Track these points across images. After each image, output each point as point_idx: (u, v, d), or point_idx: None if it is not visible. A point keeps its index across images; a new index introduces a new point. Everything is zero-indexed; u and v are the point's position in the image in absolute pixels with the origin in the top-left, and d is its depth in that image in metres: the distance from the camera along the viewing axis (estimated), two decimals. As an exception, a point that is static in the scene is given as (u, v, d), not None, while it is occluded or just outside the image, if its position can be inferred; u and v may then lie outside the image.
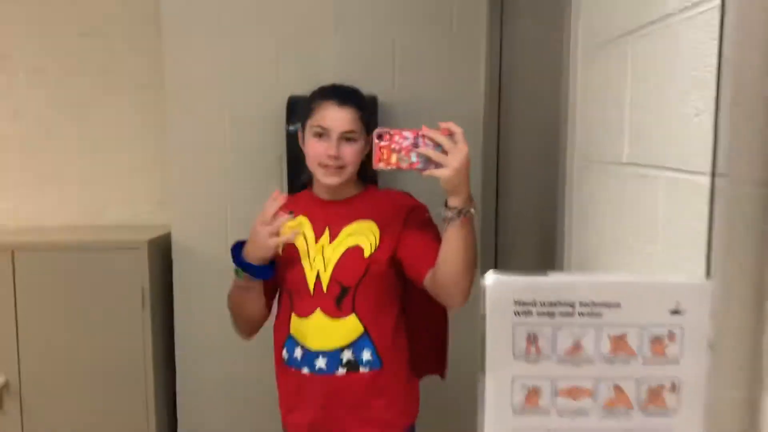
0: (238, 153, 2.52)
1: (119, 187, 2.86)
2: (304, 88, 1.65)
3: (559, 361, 0.69)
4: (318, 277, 1.55)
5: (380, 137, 1.34)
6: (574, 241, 1.39)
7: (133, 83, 2.79)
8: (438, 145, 1.32)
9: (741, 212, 0.67)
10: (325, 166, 1.53)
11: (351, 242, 1.56)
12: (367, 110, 1.61)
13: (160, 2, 2.47)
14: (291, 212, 1.53)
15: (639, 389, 0.69)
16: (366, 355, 1.54)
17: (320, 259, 1.56)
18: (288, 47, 2.46)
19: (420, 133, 1.33)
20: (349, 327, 1.54)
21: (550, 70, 1.59)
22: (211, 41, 2.48)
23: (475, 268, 1.43)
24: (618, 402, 0.69)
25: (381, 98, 2.40)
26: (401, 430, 1.62)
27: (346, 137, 1.53)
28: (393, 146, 1.33)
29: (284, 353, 1.61)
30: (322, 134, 1.53)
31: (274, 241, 1.48)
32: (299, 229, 1.55)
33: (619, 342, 0.69)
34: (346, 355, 1.54)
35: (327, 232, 1.58)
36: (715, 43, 0.80)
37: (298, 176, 1.73)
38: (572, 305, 0.68)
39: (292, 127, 2.31)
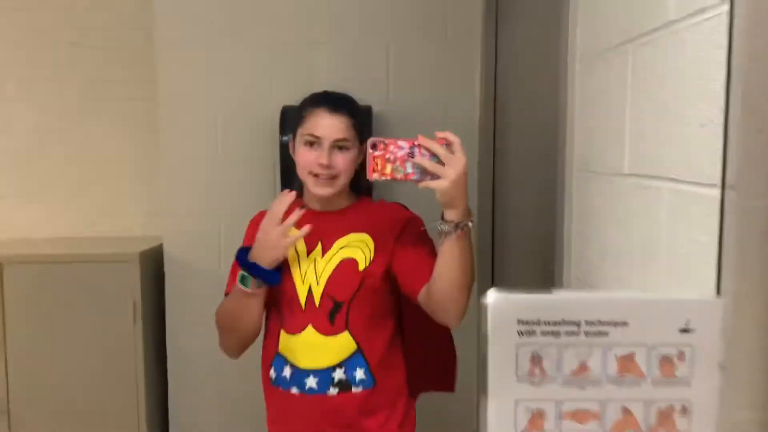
0: (230, 164, 2.49)
1: (110, 198, 2.82)
2: (298, 98, 1.62)
3: (565, 382, 0.66)
4: (310, 291, 1.49)
5: (374, 147, 1.29)
6: (573, 254, 1.36)
7: (125, 94, 2.76)
8: (434, 155, 1.27)
9: (752, 226, 0.65)
10: (316, 176, 1.48)
11: (345, 255, 1.50)
12: (360, 117, 1.56)
13: (152, 13, 2.45)
14: (302, 207, 1.48)
15: (648, 412, 0.66)
16: (359, 374, 1.48)
17: (312, 272, 1.50)
18: (281, 57, 2.44)
19: (416, 142, 1.28)
20: (342, 344, 1.48)
21: (547, 77, 1.56)
22: (204, 52, 2.45)
23: (472, 283, 1.39)
24: (626, 425, 0.66)
25: (375, 108, 2.38)
26: None
27: (338, 145, 1.48)
28: (388, 156, 1.29)
29: (272, 373, 1.54)
30: (313, 142, 1.48)
31: (288, 240, 1.43)
32: (309, 225, 1.46)
33: (626, 362, 0.66)
34: (338, 374, 1.48)
35: (319, 245, 1.52)
36: (721, 50, 0.78)
37: (291, 187, 1.66)
38: (578, 324, 0.65)
39: (285, 138, 2.28)
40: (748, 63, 0.63)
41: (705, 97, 0.83)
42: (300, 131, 1.51)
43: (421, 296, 1.43)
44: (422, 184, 1.28)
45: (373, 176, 1.30)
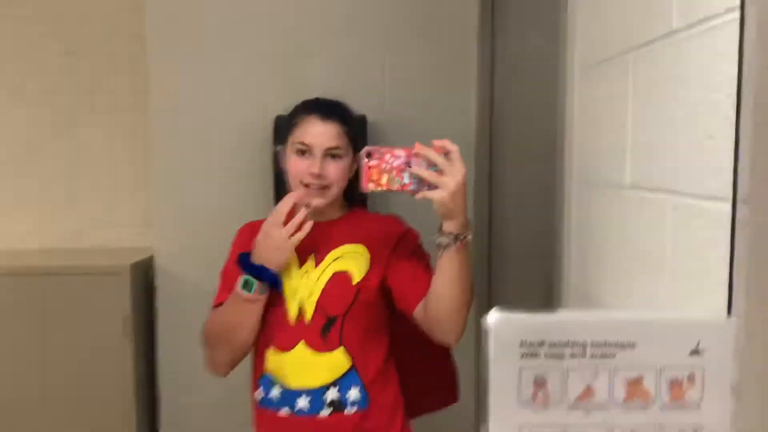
0: (223, 174, 2.46)
1: (101, 209, 2.78)
2: (292, 108, 1.59)
3: (570, 407, 0.63)
4: (302, 305, 1.43)
5: (369, 156, 1.24)
6: (572, 268, 1.33)
7: (117, 103, 2.73)
8: (432, 165, 1.22)
9: (766, 242, 0.62)
10: (307, 186, 1.42)
11: (338, 267, 1.44)
12: (354, 125, 1.50)
13: (145, 22, 2.42)
14: (307, 205, 1.41)
15: (657, 438, 0.63)
16: (353, 394, 1.42)
17: (304, 285, 1.43)
18: (275, 66, 2.42)
19: (413, 151, 1.23)
20: (336, 362, 1.41)
21: (545, 88, 1.54)
22: (196, 62, 2.43)
23: (471, 300, 1.34)
24: (634, 452, 0.63)
25: (370, 117, 2.35)
26: None
27: (330, 154, 1.42)
28: (383, 166, 1.24)
29: (259, 393, 1.47)
30: (304, 151, 1.42)
31: (294, 240, 1.37)
32: (311, 221, 1.40)
33: (634, 386, 0.63)
34: (331, 394, 1.41)
35: (312, 257, 1.46)
36: (727, 60, 0.76)
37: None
38: (583, 346, 0.62)
39: (278, 148, 2.25)
40: (759, 74, 0.60)
41: (710, 108, 0.81)
42: (291, 139, 1.46)
43: (418, 313, 1.37)
44: (420, 195, 1.22)
45: (369, 187, 1.25)
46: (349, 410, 1.42)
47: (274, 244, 1.37)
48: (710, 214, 0.81)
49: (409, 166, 1.23)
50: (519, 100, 2.01)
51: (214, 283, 1.56)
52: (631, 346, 0.62)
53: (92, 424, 2.38)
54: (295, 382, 1.42)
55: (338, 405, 1.41)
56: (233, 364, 1.50)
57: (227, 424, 2.46)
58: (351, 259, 1.45)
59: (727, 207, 0.75)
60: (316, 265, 1.45)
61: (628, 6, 1.06)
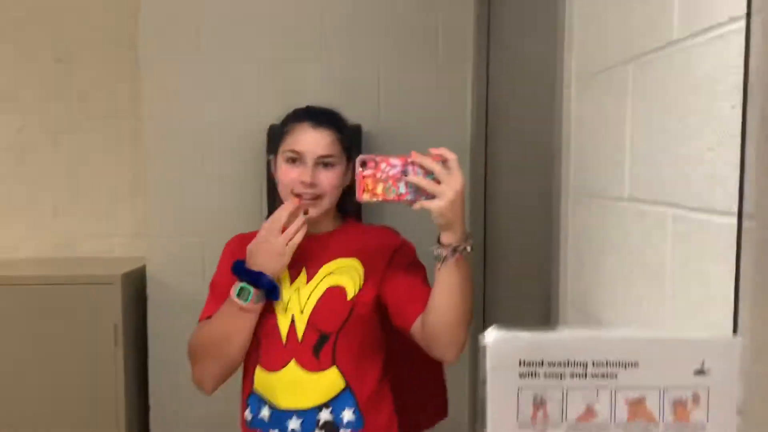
0: (216, 184, 2.44)
1: (93, 218, 2.76)
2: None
3: (570, 428, 0.61)
4: (293, 322, 1.36)
5: (364, 165, 1.19)
6: (569, 282, 1.31)
7: (110, 111, 2.71)
8: (429, 173, 1.17)
9: (772, 259, 0.60)
10: (298, 195, 1.37)
11: (332, 282, 1.39)
12: (348, 133, 1.45)
13: (137, 28, 2.40)
14: (305, 212, 1.37)
15: (660, 461, 0.61)
16: (347, 415, 1.36)
17: (296, 301, 1.37)
18: (269, 75, 2.40)
19: (409, 159, 1.18)
20: (329, 381, 1.35)
21: (542, 97, 1.52)
22: (190, 70, 2.41)
23: (471, 314, 1.29)
24: (637, 476, 0.61)
25: (365, 127, 2.34)
26: None
27: (323, 162, 1.37)
28: (379, 175, 1.19)
29: (247, 413, 1.42)
30: (295, 159, 1.38)
31: (292, 244, 1.32)
32: (305, 228, 1.36)
33: (637, 406, 0.61)
34: (324, 415, 1.35)
35: (303, 271, 1.41)
36: (730, 71, 0.74)
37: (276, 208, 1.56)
38: (584, 365, 0.60)
39: (271, 157, 2.23)
40: (766, 84, 0.58)
41: (712, 119, 0.79)
42: (282, 148, 1.41)
43: (415, 329, 1.32)
44: (417, 205, 1.18)
45: (364, 197, 1.20)
46: None
47: (273, 249, 1.33)
48: (712, 228, 0.79)
49: (406, 175, 1.19)
50: (515, 109, 1.99)
51: (206, 293, 1.53)
52: (634, 365, 0.60)
53: (83, 433, 2.35)
54: (285, 403, 1.36)
55: (331, 427, 1.35)
56: (221, 380, 1.44)
57: (219, 435, 2.42)
58: (345, 274, 1.39)
59: (730, 220, 0.73)
60: (308, 279, 1.40)
61: (627, 15, 1.05)
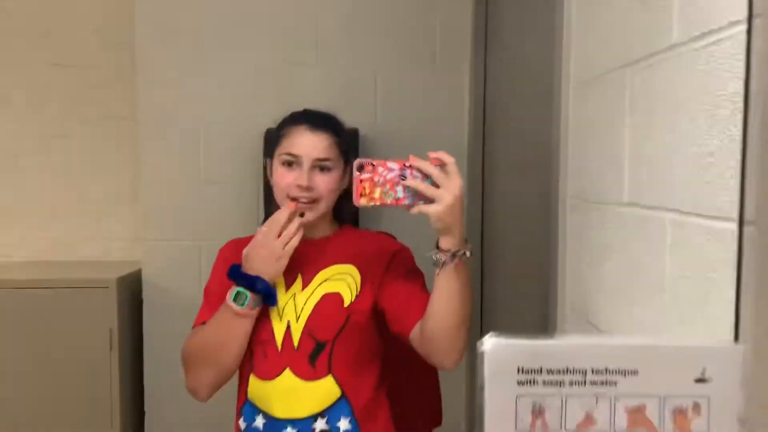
0: (213, 187, 2.42)
1: (88, 222, 2.74)
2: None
3: (569, 437, 0.60)
4: (288, 329, 1.34)
5: (361, 169, 1.17)
6: (568, 288, 1.30)
7: (106, 114, 2.70)
8: (427, 178, 1.16)
9: (773, 266, 0.59)
10: (294, 199, 1.35)
11: (328, 289, 1.36)
12: (345, 137, 1.43)
13: (134, 32, 2.40)
14: (301, 214, 1.34)
15: (661, 470, 0.60)
16: (343, 424, 1.33)
17: (291, 308, 1.35)
18: (266, 78, 2.39)
19: (407, 163, 1.17)
20: (325, 390, 1.33)
21: (540, 102, 1.51)
22: (186, 72, 2.40)
23: (470, 320, 1.26)
24: (637, 485, 0.60)
25: (362, 131, 2.33)
26: None
27: (319, 166, 1.35)
28: (376, 179, 1.17)
29: (241, 423, 1.39)
30: (292, 162, 1.35)
31: (289, 248, 1.30)
32: (301, 232, 1.34)
33: (636, 415, 0.60)
34: (320, 425, 1.32)
35: (299, 277, 1.38)
36: (730, 76, 0.73)
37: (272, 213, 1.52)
38: (583, 373, 0.59)
39: (268, 160, 2.23)
40: (766, 87, 0.58)
41: (713, 124, 0.78)
42: (278, 151, 1.39)
43: (414, 336, 1.29)
44: (415, 209, 1.16)
45: (361, 201, 1.17)
46: None
47: (270, 253, 1.31)
48: (712, 234, 0.78)
49: (404, 179, 1.17)
50: (513, 113, 1.99)
51: (202, 297, 1.51)
52: (634, 373, 0.59)
53: (77, 439, 2.34)
54: (280, 412, 1.33)
55: None
56: (216, 388, 1.41)
57: (214, 441, 2.41)
58: (341, 280, 1.37)
59: (730, 226, 0.72)
60: (304, 286, 1.38)
61: (626, 19, 1.04)
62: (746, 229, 0.61)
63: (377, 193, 1.18)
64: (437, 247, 1.19)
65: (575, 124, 1.29)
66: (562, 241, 1.33)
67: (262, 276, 1.31)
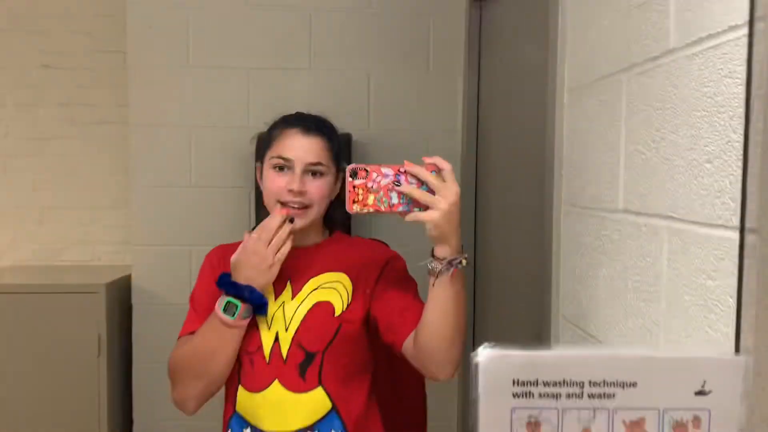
0: (204, 192, 2.40)
1: (78, 226, 2.72)
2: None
3: (565, 451, 0.58)
4: (277, 340, 1.29)
5: (354, 174, 1.13)
6: (562, 297, 1.29)
7: (97, 117, 2.68)
8: (423, 184, 1.12)
9: (775, 275, 0.58)
10: (285, 204, 1.30)
11: (318, 298, 1.31)
12: (338, 141, 1.39)
13: (126, 35, 2.38)
14: (291, 220, 1.30)
15: (660, 486, 0.58)
16: None
17: (281, 317, 1.30)
18: (258, 82, 2.38)
19: (402, 169, 1.13)
20: (315, 403, 1.28)
21: (534, 107, 1.50)
22: (178, 76, 2.38)
23: (465, 331, 1.22)
24: (635, 501, 0.58)
25: (355, 136, 2.32)
26: None
27: (311, 170, 1.31)
28: (370, 185, 1.13)
29: None
30: (283, 167, 1.31)
31: (281, 255, 1.26)
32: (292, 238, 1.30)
33: (635, 428, 0.58)
34: None
35: (288, 286, 1.33)
36: (730, 81, 0.72)
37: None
38: (581, 385, 0.57)
39: (258, 164, 2.20)
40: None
41: (711, 131, 0.77)
42: (269, 154, 1.34)
43: (407, 347, 1.25)
44: (410, 217, 1.12)
45: (354, 208, 1.13)
46: None
47: (262, 261, 1.26)
48: (711, 242, 0.77)
49: (398, 185, 1.13)
50: (507, 119, 1.97)
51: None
52: (632, 385, 0.58)
53: (64, 447, 2.30)
54: (269, 425, 1.29)
55: None
56: (204, 400, 1.36)
57: (203, 449, 2.38)
58: (332, 289, 1.33)
59: (729, 234, 0.71)
60: (293, 295, 1.33)
61: (622, 24, 1.03)
62: (748, 237, 0.59)
63: (371, 200, 1.14)
64: (432, 255, 1.16)
65: (570, 130, 1.28)
66: (557, 249, 1.32)
67: (253, 285, 1.27)
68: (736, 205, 0.68)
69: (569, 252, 1.27)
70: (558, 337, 1.28)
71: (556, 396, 0.57)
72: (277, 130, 1.37)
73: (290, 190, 1.30)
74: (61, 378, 2.30)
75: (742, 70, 0.67)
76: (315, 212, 1.33)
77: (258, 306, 1.28)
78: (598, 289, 1.11)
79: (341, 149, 1.42)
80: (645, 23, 0.95)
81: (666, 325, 0.88)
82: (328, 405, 1.29)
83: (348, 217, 1.35)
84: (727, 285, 0.70)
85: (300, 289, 1.33)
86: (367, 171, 1.14)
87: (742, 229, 0.59)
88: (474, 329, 2.18)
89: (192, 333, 1.35)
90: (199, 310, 1.36)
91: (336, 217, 1.42)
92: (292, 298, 1.33)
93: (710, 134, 0.77)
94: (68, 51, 2.66)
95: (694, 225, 0.81)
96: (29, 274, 2.57)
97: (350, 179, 1.14)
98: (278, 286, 1.33)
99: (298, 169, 1.31)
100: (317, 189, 1.32)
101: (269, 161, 1.35)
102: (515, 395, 0.57)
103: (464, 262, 1.16)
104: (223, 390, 1.40)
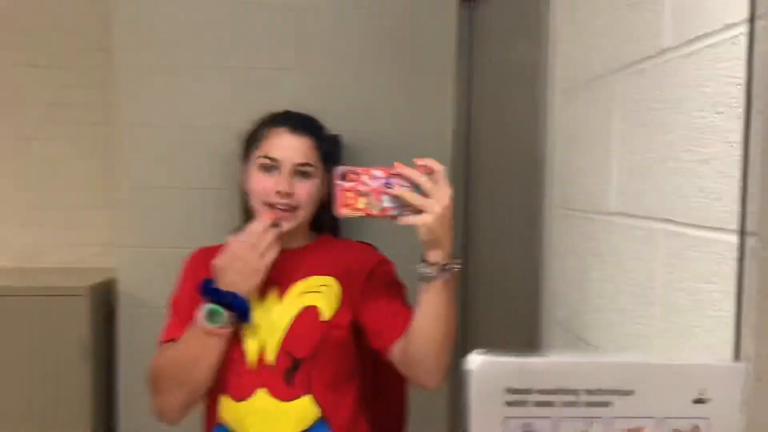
0: (191, 193, 2.37)
1: (63, 227, 2.68)
2: (257, 121, 1.50)
3: (560, 462, 0.56)
4: (262, 346, 1.25)
5: (344, 177, 1.10)
6: (555, 302, 1.27)
7: (82, 117, 2.65)
8: (415, 187, 1.09)
9: (776, 279, 0.56)
10: (272, 206, 1.27)
11: (305, 302, 1.28)
12: (327, 141, 1.36)
13: (112, 35, 2.35)
14: (278, 224, 1.26)
15: (657, 497, 0.56)
16: None
17: (266, 323, 1.26)
18: (246, 83, 2.35)
19: (393, 171, 1.10)
20: (303, 411, 1.24)
21: (526, 108, 1.49)
22: (164, 76, 2.35)
23: (455, 337, 1.19)
24: None
25: (346, 138, 2.29)
26: None
27: (300, 171, 1.28)
28: (360, 188, 1.10)
29: None
30: (270, 167, 1.28)
31: (267, 260, 1.22)
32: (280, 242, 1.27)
33: (632, 438, 0.56)
34: None
35: (275, 291, 1.30)
36: (727, 81, 0.71)
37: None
38: (576, 393, 0.56)
39: (243, 165, 2.18)
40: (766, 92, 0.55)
41: (707, 131, 0.75)
42: (255, 154, 1.31)
43: (395, 352, 1.22)
44: (403, 221, 1.09)
45: (343, 212, 1.10)
46: None
47: (247, 266, 1.22)
48: (708, 245, 0.75)
49: (389, 188, 1.10)
50: (498, 121, 1.96)
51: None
52: (629, 393, 0.56)
53: (45, 456, 2.27)
54: None
55: None
56: (187, 410, 1.31)
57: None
58: (319, 293, 1.29)
59: (727, 237, 0.69)
60: (280, 299, 1.30)
61: (616, 22, 1.02)
62: (747, 240, 0.58)
63: (361, 203, 1.10)
64: (424, 260, 1.12)
65: (562, 131, 1.26)
66: (549, 253, 1.30)
67: (238, 291, 1.23)
68: (735, 208, 0.66)
69: (562, 255, 1.25)
70: (551, 342, 1.27)
71: (551, 404, 0.55)
72: (264, 128, 1.34)
73: (278, 192, 1.26)
74: (44, 383, 2.26)
75: (739, 69, 0.65)
76: (302, 215, 1.30)
77: (241, 313, 1.24)
78: (592, 294, 1.09)
79: (330, 149, 1.39)
80: (638, 22, 0.93)
81: (660, 331, 0.86)
82: (316, 413, 1.26)
83: (335, 220, 1.32)
84: (725, 290, 0.68)
85: (286, 293, 1.30)
86: (357, 174, 1.11)
87: (741, 232, 0.57)
88: (464, 334, 2.16)
89: (173, 340, 1.31)
90: (181, 316, 1.32)
91: (324, 219, 1.38)
92: (279, 303, 1.29)
93: (707, 135, 0.75)
94: (53, 50, 2.63)
95: (690, 228, 0.80)
96: (11, 276, 2.52)
97: (340, 182, 1.11)
98: (264, 290, 1.29)
99: (285, 169, 1.28)
100: (305, 191, 1.29)
101: (255, 161, 1.31)
102: (509, 403, 0.55)
103: (457, 267, 1.13)
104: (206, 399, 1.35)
